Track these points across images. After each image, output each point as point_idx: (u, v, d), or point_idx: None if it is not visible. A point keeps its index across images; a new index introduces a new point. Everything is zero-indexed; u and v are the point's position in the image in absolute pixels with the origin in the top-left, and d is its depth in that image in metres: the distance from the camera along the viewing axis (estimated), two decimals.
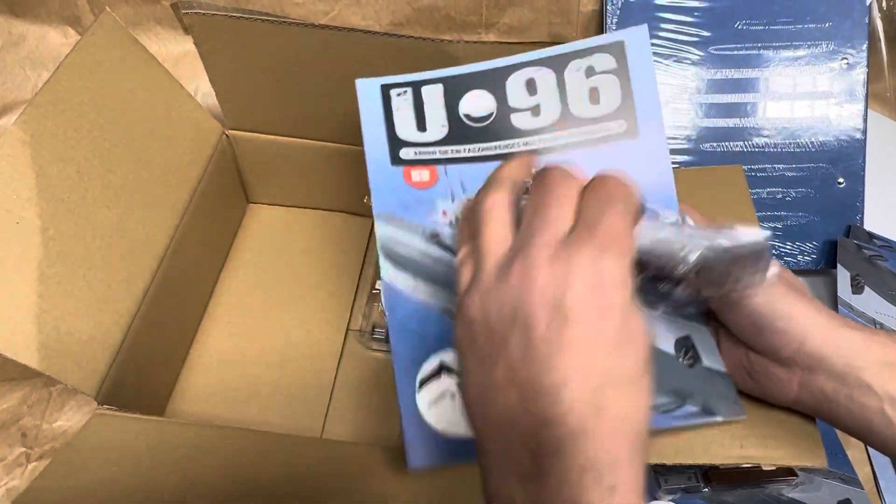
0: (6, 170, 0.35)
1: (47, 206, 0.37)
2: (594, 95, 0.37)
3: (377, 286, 0.54)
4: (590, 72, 0.37)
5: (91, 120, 0.40)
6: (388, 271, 0.35)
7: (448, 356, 0.34)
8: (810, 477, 0.42)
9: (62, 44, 0.63)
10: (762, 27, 0.58)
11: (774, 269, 0.30)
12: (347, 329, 0.53)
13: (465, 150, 0.37)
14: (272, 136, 0.52)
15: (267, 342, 0.52)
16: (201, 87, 0.62)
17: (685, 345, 0.35)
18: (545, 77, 0.37)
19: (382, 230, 0.36)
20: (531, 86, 0.37)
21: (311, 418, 0.48)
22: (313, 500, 0.34)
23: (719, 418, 0.34)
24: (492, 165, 0.36)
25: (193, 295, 0.52)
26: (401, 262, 0.35)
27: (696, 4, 0.58)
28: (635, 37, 0.37)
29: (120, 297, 0.40)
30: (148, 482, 0.34)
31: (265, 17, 0.42)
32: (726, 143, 0.58)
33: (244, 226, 0.59)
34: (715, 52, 0.58)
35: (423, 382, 0.34)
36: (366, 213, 0.60)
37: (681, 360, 0.35)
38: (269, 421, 0.47)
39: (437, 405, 0.34)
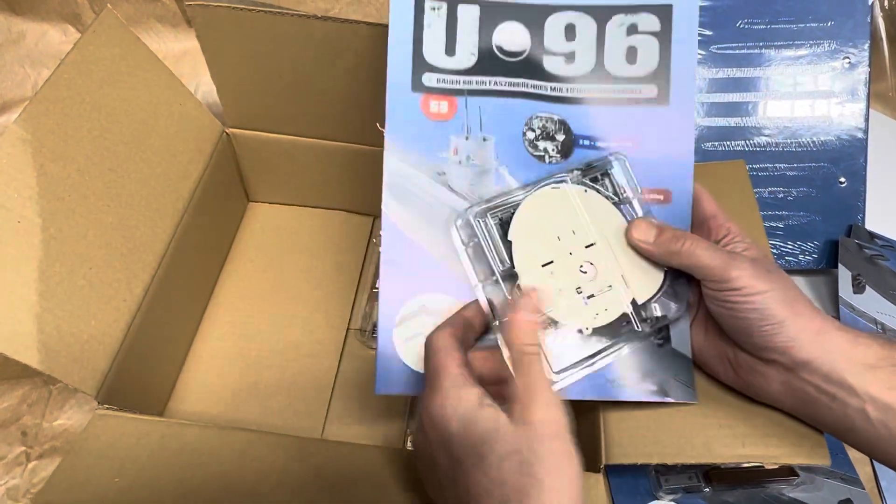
0: (6, 168, 0.35)
1: (48, 204, 0.37)
2: (632, 54, 0.36)
3: (377, 285, 0.53)
4: (632, 30, 0.36)
5: (92, 118, 0.40)
6: (389, 205, 0.34)
7: (429, 299, 0.35)
8: (811, 477, 0.42)
9: (62, 41, 0.63)
10: (764, 26, 0.58)
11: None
12: (348, 329, 0.53)
13: (490, 82, 0.36)
14: (272, 135, 0.52)
15: (267, 342, 0.52)
16: (202, 86, 0.62)
17: (660, 324, 0.36)
18: (586, 25, 0.36)
19: (390, 164, 0.35)
20: (570, 31, 0.36)
21: (311, 418, 0.48)
22: (314, 501, 0.34)
23: (671, 399, 0.35)
24: (516, 102, 0.36)
25: (193, 294, 0.52)
26: (403, 198, 0.35)
27: (699, 3, 0.58)
28: (685, 4, 0.36)
29: (120, 296, 0.40)
30: (150, 492, 0.34)
31: (267, 9, 0.42)
32: (727, 142, 0.58)
33: (244, 224, 0.59)
34: (716, 51, 0.58)
35: (403, 320, 0.35)
36: (366, 212, 0.60)
37: (652, 338, 0.36)
38: (270, 421, 0.47)
39: (411, 342, 0.35)
